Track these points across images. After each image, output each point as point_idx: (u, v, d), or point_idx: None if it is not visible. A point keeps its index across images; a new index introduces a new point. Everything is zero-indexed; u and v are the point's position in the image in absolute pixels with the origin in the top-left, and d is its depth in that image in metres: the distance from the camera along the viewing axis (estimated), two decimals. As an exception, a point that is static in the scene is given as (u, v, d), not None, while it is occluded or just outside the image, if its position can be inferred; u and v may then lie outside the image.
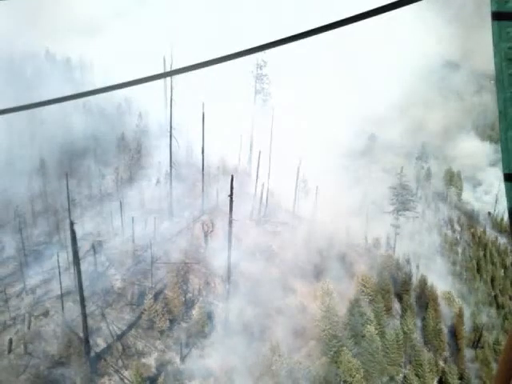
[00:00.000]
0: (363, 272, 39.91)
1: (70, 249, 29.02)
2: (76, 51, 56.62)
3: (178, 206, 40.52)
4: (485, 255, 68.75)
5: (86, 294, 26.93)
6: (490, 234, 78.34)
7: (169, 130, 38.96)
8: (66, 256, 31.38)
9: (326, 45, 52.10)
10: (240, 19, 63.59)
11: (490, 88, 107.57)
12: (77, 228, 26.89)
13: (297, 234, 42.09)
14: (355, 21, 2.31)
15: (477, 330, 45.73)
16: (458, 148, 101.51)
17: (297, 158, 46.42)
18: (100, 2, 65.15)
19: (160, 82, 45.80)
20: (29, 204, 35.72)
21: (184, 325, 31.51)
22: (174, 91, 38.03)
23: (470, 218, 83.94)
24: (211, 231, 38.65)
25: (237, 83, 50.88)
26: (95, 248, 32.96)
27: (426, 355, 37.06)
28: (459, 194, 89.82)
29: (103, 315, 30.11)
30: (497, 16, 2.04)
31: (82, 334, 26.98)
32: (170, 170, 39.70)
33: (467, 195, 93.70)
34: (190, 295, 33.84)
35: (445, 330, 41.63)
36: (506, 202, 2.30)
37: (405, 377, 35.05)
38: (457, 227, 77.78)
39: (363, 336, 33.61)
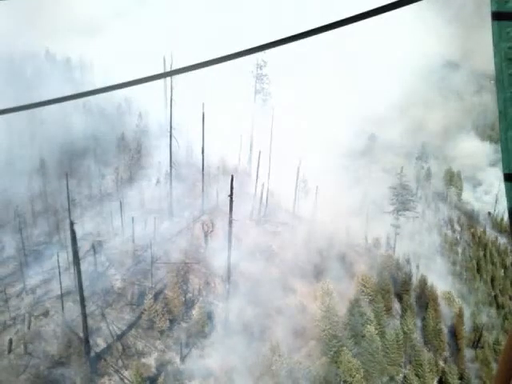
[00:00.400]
0: (363, 272, 39.91)
1: (70, 249, 29.03)
2: (76, 51, 56.63)
3: (177, 206, 40.52)
4: (485, 255, 68.74)
5: (85, 294, 26.93)
6: (490, 234, 78.32)
7: (169, 130, 38.96)
8: (66, 256, 31.38)
9: (326, 45, 52.08)
10: (240, 19, 63.59)
11: (490, 88, 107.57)
12: (77, 228, 26.89)
13: (297, 234, 42.09)
14: (355, 21, 2.31)
15: (477, 330, 45.73)
16: (458, 148, 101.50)
17: (297, 158, 46.40)
18: (100, 2, 65.16)
19: (160, 82, 45.81)
20: (29, 204, 35.73)
21: (184, 325, 31.52)
22: (174, 91, 38.04)
23: (470, 217, 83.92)
24: (211, 231, 38.66)
25: (237, 83, 50.87)
26: (95, 248, 32.97)
27: (426, 355, 37.06)
28: (459, 194, 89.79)
29: (103, 315, 30.11)
30: (497, 16, 2.03)
31: (82, 334, 26.99)
32: (170, 170, 39.70)
33: (467, 195, 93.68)
34: (190, 295, 33.85)
35: (445, 330, 41.63)
36: (506, 201, 2.29)
37: (405, 377, 35.05)
38: (457, 227, 77.77)
39: (363, 336, 33.61)
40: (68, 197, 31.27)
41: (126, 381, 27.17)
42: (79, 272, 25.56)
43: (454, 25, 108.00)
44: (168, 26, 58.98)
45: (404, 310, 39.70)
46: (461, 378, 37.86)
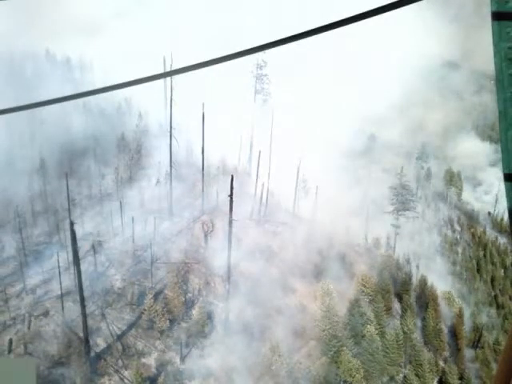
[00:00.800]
0: (363, 272, 39.91)
1: (69, 249, 29.04)
2: (76, 51, 56.61)
3: (177, 206, 40.52)
4: (485, 255, 68.74)
5: (85, 294, 26.92)
6: (490, 234, 78.33)
7: (169, 130, 38.97)
8: (66, 256, 31.39)
9: (326, 45, 52.04)
10: (240, 19, 63.59)
11: (490, 88, 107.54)
12: (77, 228, 26.91)
13: (297, 234, 42.09)
14: (355, 21, 2.31)
15: (477, 330, 45.74)
16: (458, 148, 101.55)
17: (297, 158, 46.43)
18: (100, 2, 65.14)
19: (160, 81, 45.81)
20: (29, 204, 35.73)
21: (184, 325, 31.52)
22: (174, 91, 38.04)
23: (470, 218, 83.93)
24: (211, 231, 38.65)
25: (237, 83, 50.87)
26: (95, 248, 32.96)
27: (426, 355, 37.06)
28: (459, 194, 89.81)
29: (103, 315, 30.11)
30: (497, 16, 2.03)
31: (82, 334, 26.98)
32: (170, 170, 39.71)
33: (467, 195, 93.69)
34: (190, 295, 33.84)
35: (445, 330, 41.64)
36: (506, 202, 2.29)
37: (405, 377, 35.06)
38: (457, 227, 77.77)
39: (363, 336, 33.61)
40: (68, 197, 31.29)
41: (125, 381, 27.17)
42: (79, 272, 25.56)
43: (454, 25, 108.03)
44: (168, 25, 59.01)
45: (404, 310, 39.70)
46: (461, 378, 37.86)
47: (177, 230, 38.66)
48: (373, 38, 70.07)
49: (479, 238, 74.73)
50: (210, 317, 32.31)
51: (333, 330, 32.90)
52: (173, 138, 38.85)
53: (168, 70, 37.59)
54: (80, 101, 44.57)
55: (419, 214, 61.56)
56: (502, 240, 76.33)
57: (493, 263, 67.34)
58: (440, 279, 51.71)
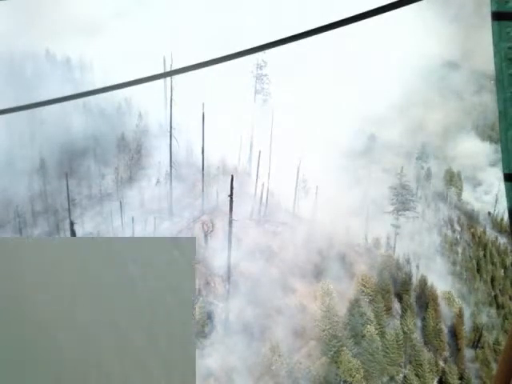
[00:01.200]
0: (363, 272, 39.91)
1: (69, 249, 28.99)
2: (76, 51, 56.65)
3: (177, 206, 40.53)
4: (485, 255, 68.70)
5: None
6: (490, 234, 78.29)
7: (169, 130, 39.00)
8: (65, 256, 31.35)
9: (326, 45, 52.00)
10: (240, 19, 63.60)
11: (490, 88, 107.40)
12: (77, 228, 26.93)
13: (297, 234, 42.08)
14: (355, 21, 2.31)
15: (477, 330, 45.72)
16: (458, 148, 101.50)
17: (297, 158, 46.43)
18: (100, 2, 65.15)
19: (160, 82, 45.78)
20: (29, 204, 35.75)
21: (184, 325, 31.47)
22: (174, 91, 38.09)
23: (470, 218, 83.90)
24: (211, 231, 38.66)
25: (237, 83, 50.85)
26: (95, 248, 32.93)
27: (426, 355, 37.05)
28: (459, 194, 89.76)
29: (103, 315, 30.08)
30: (497, 16, 2.03)
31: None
32: (170, 170, 39.74)
33: (467, 195, 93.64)
34: (190, 295, 33.80)
35: (445, 330, 41.63)
36: (506, 202, 2.28)
37: (405, 377, 35.06)
38: (457, 227, 77.74)
39: (363, 336, 33.61)
40: (68, 197, 31.31)
41: (125, 381, 27.14)
42: (79, 272, 25.54)
43: (454, 25, 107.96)
44: (168, 25, 59.01)
45: (404, 310, 39.69)
46: (461, 378, 37.85)
47: (177, 229, 38.65)
48: (373, 37, 69.99)
49: (479, 237, 74.71)
50: (210, 317, 32.33)
51: (333, 330, 32.91)
52: (173, 138, 38.89)
53: (168, 70, 37.60)
54: (80, 101, 44.58)
55: (419, 213, 61.49)
56: (502, 240, 76.28)
57: (493, 263, 67.30)
58: (440, 279, 51.68)
